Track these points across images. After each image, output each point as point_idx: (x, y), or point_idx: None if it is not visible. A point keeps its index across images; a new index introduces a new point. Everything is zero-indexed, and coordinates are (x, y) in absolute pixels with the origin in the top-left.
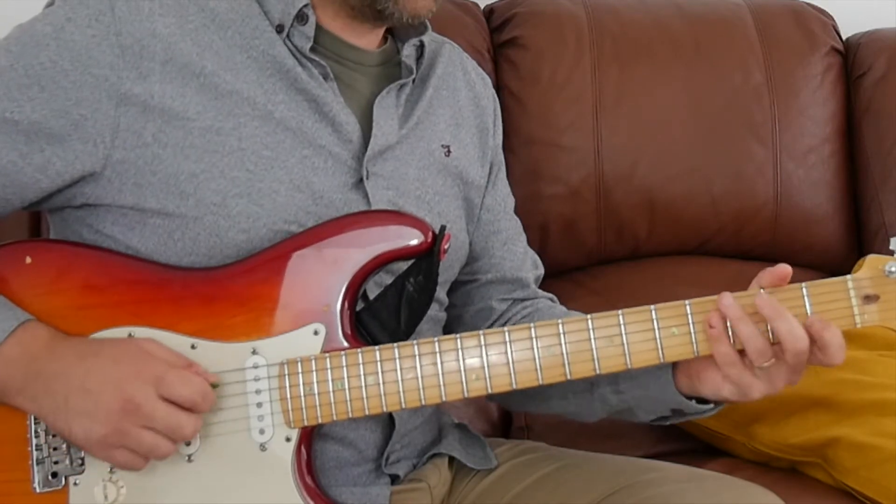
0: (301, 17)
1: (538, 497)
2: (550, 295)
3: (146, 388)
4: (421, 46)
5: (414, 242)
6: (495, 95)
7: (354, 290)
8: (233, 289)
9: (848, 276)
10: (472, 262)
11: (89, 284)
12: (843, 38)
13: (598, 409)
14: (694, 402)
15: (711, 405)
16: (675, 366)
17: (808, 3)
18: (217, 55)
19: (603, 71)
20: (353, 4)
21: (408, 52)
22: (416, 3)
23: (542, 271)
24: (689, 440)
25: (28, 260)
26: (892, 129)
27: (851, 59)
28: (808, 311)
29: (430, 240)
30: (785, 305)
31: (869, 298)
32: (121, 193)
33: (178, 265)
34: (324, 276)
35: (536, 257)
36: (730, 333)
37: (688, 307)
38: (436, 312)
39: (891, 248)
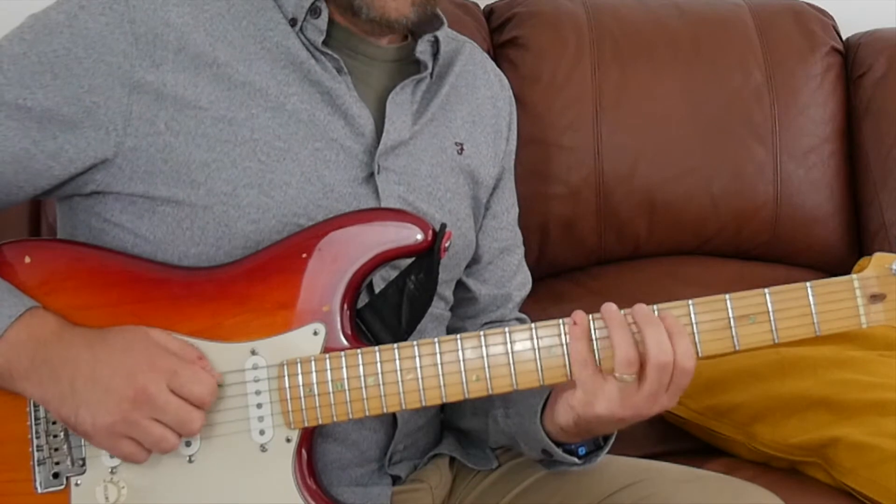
0: (314, 11)
1: (538, 497)
2: (523, 316)
3: (159, 381)
4: (436, 43)
5: (414, 241)
6: (513, 100)
7: (354, 289)
8: (232, 288)
9: (854, 276)
10: (469, 265)
11: (88, 284)
12: (843, 38)
13: (493, 432)
14: (561, 450)
15: (580, 461)
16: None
17: (808, 3)
18: (231, 45)
19: (603, 71)
20: (340, 4)
21: (422, 48)
22: (385, 8)
23: (527, 291)
24: (689, 440)
25: (27, 259)
26: (892, 129)
27: (851, 59)
28: (813, 311)
29: (430, 238)
30: (790, 305)
31: (875, 297)
32: (131, 181)
33: (182, 260)
34: (323, 276)
35: (528, 275)
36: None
37: (691, 307)
38: (441, 311)
39: None
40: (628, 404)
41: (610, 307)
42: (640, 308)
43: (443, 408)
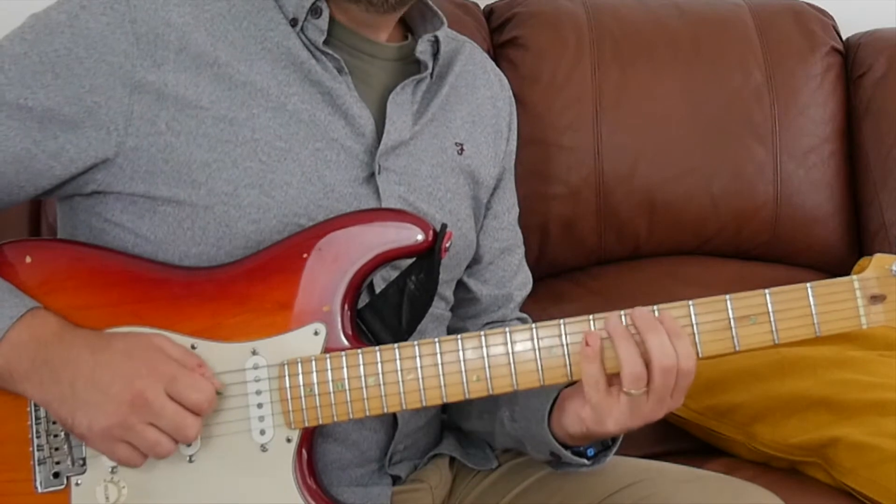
0: (315, 11)
1: (538, 497)
2: (524, 315)
3: (157, 386)
4: (437, 42)
5: (414, 241)
6: (513, 100)
7: (355, 289)
8: (233, 288)
9: (854, 276)
10: (470, 265)
11: (88, 284)
12: (843, 38)
13: (500, 435)
14: (570, 452)
15: (589, 462)
16: (551, 407)
17: (808, 3)
18: (232, 46)
19: (603, 71)
20: None
21: (422, 47)
22: None
23: (528, 291)
24: (689, 440)
25: (28, 259)
26: (892, 129)
27: (851, 59)
28: (813, 312)
29: (430, 238)
30: (790, 306)
31: (875, 298)
32: (132, 181)
33: (183, 259)
34: (324, 276)
35: (528, 275)
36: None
37: (691, 307)
38: (441, 311)
39: None
40: (638, 415)
41: (612, 320)
42: (640, 312)
43: (445, 409)
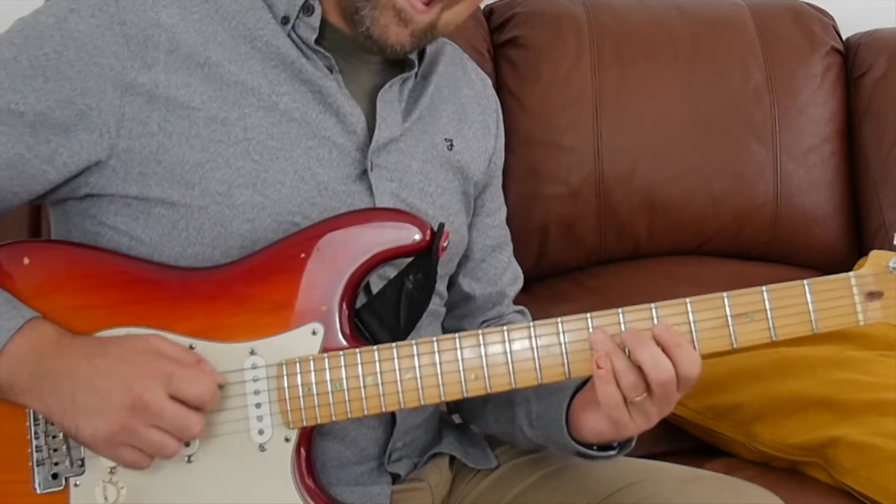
0: (307, 9)
1: (538, 497)
2: (521, 308)
3: (155, 387)
4: None
5: (412, 241)
6: (497, 98)
7: (352, 289)
8: (231, 289)
9: (851, 273)
10: (462, 263)
11: (87, 285)
12: (843, 38)
13: (521, 439)
14: (595, 448)
15: (614, 451)
16: (567, 414)
17: (808, 3)
18: (221, 45)
19: (603, 71)
20: (343, 7)
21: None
22: (387, 30)
23: (520, 286)
24: (689, 440)
25: (26, 261)
26: (892, 129)
27: (851, 59)
28: (811, 309)
29: (427, 238)
30: (787, 303)
31: (872, 295)
32: (125, 183)
33: (179, 260)
34: (322, 276)
35: (519, 271)
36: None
37: (689, 305)
38: (436, 307)
39: (894, 243)
40: (652, 417)
41: (597, 335)
42: (629, 330)
43: (458, 410)
